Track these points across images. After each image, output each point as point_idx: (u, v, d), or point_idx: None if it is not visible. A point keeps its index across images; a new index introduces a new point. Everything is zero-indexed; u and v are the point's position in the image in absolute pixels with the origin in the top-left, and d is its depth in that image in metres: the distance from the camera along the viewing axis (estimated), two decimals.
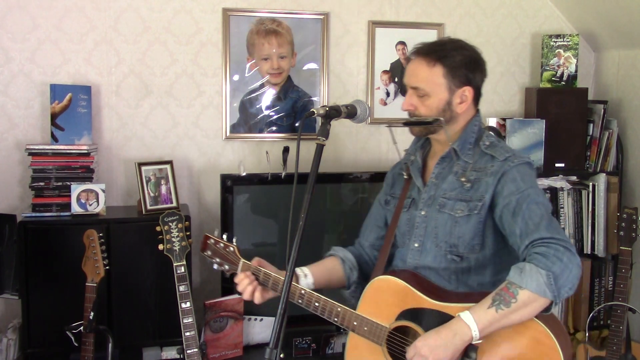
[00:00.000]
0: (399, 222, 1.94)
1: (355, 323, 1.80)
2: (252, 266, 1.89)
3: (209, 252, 1.97)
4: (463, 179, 1.81)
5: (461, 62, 1.83)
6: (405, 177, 1.98)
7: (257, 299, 1.87)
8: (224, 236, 1.98)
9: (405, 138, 2.05)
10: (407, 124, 1.88)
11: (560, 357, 1.61)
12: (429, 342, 1.64)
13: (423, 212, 1.87)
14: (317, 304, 1.82)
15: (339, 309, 1.81)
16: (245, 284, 1.86)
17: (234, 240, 1.94)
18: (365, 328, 1.79)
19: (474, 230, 1.78)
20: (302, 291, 1.84)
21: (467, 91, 1.85)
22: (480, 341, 1.63)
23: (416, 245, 1.86)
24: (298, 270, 1.92)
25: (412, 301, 1.77)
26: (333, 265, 2.02)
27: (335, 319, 1.81)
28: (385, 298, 1.80)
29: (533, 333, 1.63)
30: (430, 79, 1.81)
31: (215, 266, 1.97)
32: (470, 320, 1.61)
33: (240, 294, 1.89)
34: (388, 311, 1.79)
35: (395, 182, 2.05)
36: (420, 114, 1.83)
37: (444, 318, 1.70)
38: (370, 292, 1.84)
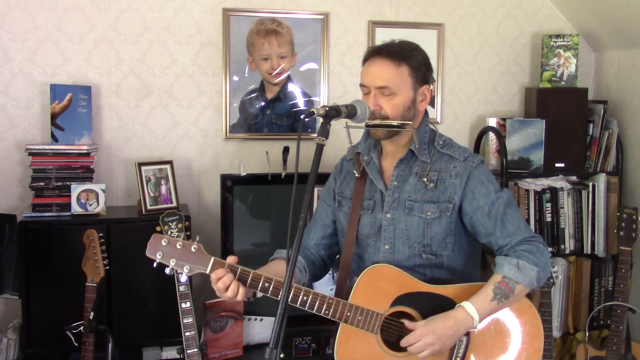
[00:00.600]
0: (359, 224, 1.92)
1: (348, 314, 1.76)
2: (227, 263, 1.77)
3: (160, 254, 1.77)
4: (425, 180, 1.85)
5: (421, 61, 1.88)
6: (357, 176, 1.95)
7: (242, 294, 1.74)
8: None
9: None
10: (375, 126, 1.83)
11: (540, 322, 1.83)
12: (436, 331, 1.69)
13: (389, 215, 1.88)
14: (305, 298, 1.75)
15: (330, 301, 1.76)
16: (229, 279, 1.73)
17: (197, 238, 1.82)
18: (360, 317, 1.76)
19: (446, 230, 1.85)
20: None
21: (426, 90, 1.90)
22: (475, 329, 1.76)
23: (387, 247, 1.88)
24: (242, 287, 1.77)
25: (408, 286, 1.80)
26: (281, 269, 1.86)
27: (327, 312, 1.76)
28: (380, 285, 1.80)
29: (517, 305, 1.82)
30: (397, 77, 1.82)
31: (169, 270, 1.78)
32: (473, 311, 1.72)
33: (217, 292, 1.77)
34: (382, 298, 1.79)
35: (343, 181, 2.01)
36: (385, 114, 1.82)
37: (441, 301, 1.78)
38: (365, 280, 1.81)
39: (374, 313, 1.77)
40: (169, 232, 2.35)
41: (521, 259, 1.77)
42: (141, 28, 3.01)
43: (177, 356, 2.70)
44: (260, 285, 1.75)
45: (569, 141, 3.25)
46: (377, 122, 1.82)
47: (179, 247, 1.78)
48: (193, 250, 1.78)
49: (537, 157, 3.19)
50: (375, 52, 1.86)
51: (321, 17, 3.20)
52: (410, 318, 1.78)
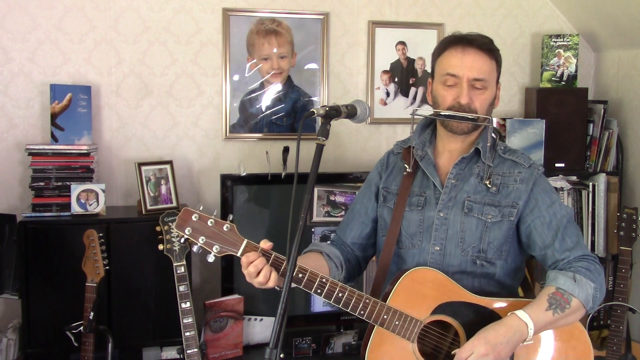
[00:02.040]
0: (403, 221, 1.81)
1: (385, 317, 1.64)
2: (260, 247, 1.64)
3: (189, 230, 1.64)
4: (487, 183, 1.77)
5: (501, 59, 1.83)
6: (409, 170, 1.83)
7: (274, 280, 1.61)
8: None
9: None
10: (458, 118, 1.73)
11: (590, 350, 1.72)
12: (489, 339, 1.57)
13: (442, 214, 1.77)
14: (340, 295, 1.63)
15: (367, 301, 1.64)
16: (261, 263, 1.60)
17: (230, 217, 1.71)
18: (397, 322, 1.65)
19: (504, 236, 1.75)
20: (324, 279, 1.64)
21: (499, 88, 1.85)
22: (531, 341, 1.63)
23: (437, 248, 1.77)
24: (274, 275, 1.66)
25: (452, 294, 1.68)
26: (317, 261, 1.82)
27: (362, 312, 1.64)
28: (422, 290, 1.68)
29: (570, 329, 1.70)
30: (491, 71, 1.77)
31: (197, 247, 1.66)
32: (527, 319, 1.61)
33: (247, 276, 1.64)
34: (424, 304, 1.67)
35: (390, 176, 1.90)
36: (475, 109, 1.74)
37: (486, 314, 1.66)
38: (407, 283, 1.69)
39: (413, 319, 1.65)
40: (169, 232, 2.36)
41: (577, 274, 1.66)
42: (141, 28, 3.01)
43: (177, 356, 2.70)
44: (293, 275, 1.60)
45: (569, 141, 3.25)
46: (452, 112, 1.72)
47: (210, 224, 1.65)
48: (225, 229, 1.66)
49: (537, 157, 3.19)
50: (467, 42, 1.75)
51: (321, 17, 3.20)
52: (450, 328, 1.68)
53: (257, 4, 3.13)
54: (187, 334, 2.40)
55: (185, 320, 2.39)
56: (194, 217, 1.66)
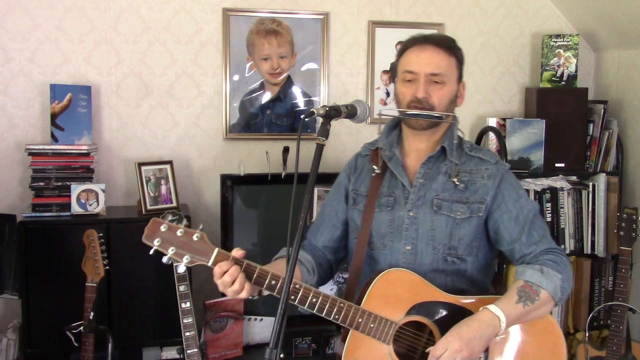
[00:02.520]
0: (373, 223, 1.82)
1: (360, 320, 1.65)
2: (231, 256, 1.61)
3: (158, 240, 1.63)
4: (455, 180, 1.79)
5: (462, 57, 1.87)
6: (378, 171, 1.85)
7: (247, 291, 1.61)
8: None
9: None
10: (423, 116, 1.76)
11: (562, 341, 1.72)
12: (462, 335, 1.58)
13: (412, 213, 1.79)
14: (314, 300, 1.62)
15: (341, 305, 1.64)
16: (236, 272, 1.58)
17: (200, 226, 1.68)
18: (372, 325, 1.65)
19: (474, 232, 1.78)
20: (297, 285, 1.63)
21: (463, 87, 1.88)
22: (503, 336, 1.65)
23: (408, 248, 1.79)
24: (248, 284, 1.64)
25: (426, 294, 1.70)
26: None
27: (337, 317, 1.64)
28: (396, 291, 1.69)
29: (542, 323, 1.72)
30: (450, 67, 1.81)
31: (166, 258, 1.63)
32: (499, 312, 1.62)
33: (221, 285, 1.61)
34: (398, 305, 1.68)
35: (359, 178, 1.91)
36: (433, 103, 1.77)
37: (459, 312, 1.68)
38: (380, 285, 1.69)
39: (388, 321, 1.66)
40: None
41: (544, 266, 1.70)
42: (141, 28, 3.01)
43: (177, 356, 2.70)
44: (266, 283, 1.61)
45: (569, 141, 3.24)
46: (415, 111, 1.75)
47: (179, 234, 1.62)
48: (195, 239, 1.62)
49: (537, 157, 3.19)
50: (425, 40, 1.81)
51: (321, 17, 3.20)
52: (426, 328, 1.70)
53: (257, 4, 3.13)
54: (187, 334, 2.40)
55: (185, 320, 2.39)
56: (162, 228, 1.64)
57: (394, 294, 1.70)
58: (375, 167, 1.87)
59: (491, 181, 1.80)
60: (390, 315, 1.67)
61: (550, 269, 1.69)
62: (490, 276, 1.91)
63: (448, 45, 1.82)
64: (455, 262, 1.78)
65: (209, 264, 1.61)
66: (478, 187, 1.79)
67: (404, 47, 1.85)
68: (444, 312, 1.69)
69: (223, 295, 2.84)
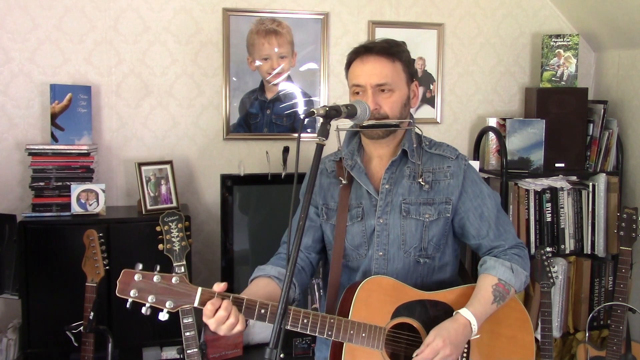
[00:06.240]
0: (347, 236, 1.83)
1: (352, 332, 1.66)
2: (216, 292, 1.58)
3: (134, 292, 1.56)
4: (420, 181, 1.81)
5: (409, 57, 1.86)
6: (345, 182, 1.85)
7: (242, 323, 1.57)
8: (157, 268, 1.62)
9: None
10: (372, 126, 1.76)
11: (531, 323, 1.84)
12: (446, 337, 1.63)
13: (381, 220, 1.81)
14: (305, 321, 1.62)
15: (332, 320, 1.64)
16: (230, 305, 1.56)
17: (179, 269, 1.59)
18: (363, 334, 1.67)
19: (442, 232, 1.82)
20: (288, 310, 1.60)
21: (416, 86, 1.88)
22: (478, 336, 1.71)
23: (380, 254, 1.81)
24: (242, 315, 1.59)
25: (406, 295, 1.74)
26: (267, 287, 1.76)
27: (330, 333, 1.64)
28: (378, 298, 1.73)
29: (510, 303, 1.81)
30: (394, 74, 1.79)
31: (145, 308, 1.58)
32: (471, 317, 1.69)
33: (215, 323, 1.56)
34: (382, 311, 1.72)
35: (327, 192, 1.90)
36: (385, 113, 1.78)
37: (439, 307, 1.75)
38: (362, 295, 1.72)
39: (376, 328, 1.68)
40: (169, 232, 2.36)
41: (513, 263, 1.79)
42: (141, 28, 3.01)
43: (177, 356, 2.70)
44: (256, 313, 1.58)
45: (569, 141, 3.25)
46: (372, 122, 1.76)
47: (156, 280, 1.55)
48: (174, 282, 1.57)
49: (537, 157, 3.19)
50: (366, 50, 1.79)
51: (321, 17, 3.20)
52: (412, 328, 1.73)
53: (257, 4, 3.13)
54: (187, 334, 2.39)
55: (185, 320, 2.39)
56: (136, 278, 1.57)
57: (377, 300, 1.73)
58: (341, 178, 1.87)
59: (454, 180, 1.83)
60: (377, 321, 1.70)
61: (518, 266, 1.79)
62: (457, 266, 1.96)
63: (389, 52, 1.80)
64: (426, 262, 1.82)
65: (195, 304, 1.58)
66: (442, 187, 1.82)
67: (349, 60, 1.83)
68: (425, 309, 1.75)
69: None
